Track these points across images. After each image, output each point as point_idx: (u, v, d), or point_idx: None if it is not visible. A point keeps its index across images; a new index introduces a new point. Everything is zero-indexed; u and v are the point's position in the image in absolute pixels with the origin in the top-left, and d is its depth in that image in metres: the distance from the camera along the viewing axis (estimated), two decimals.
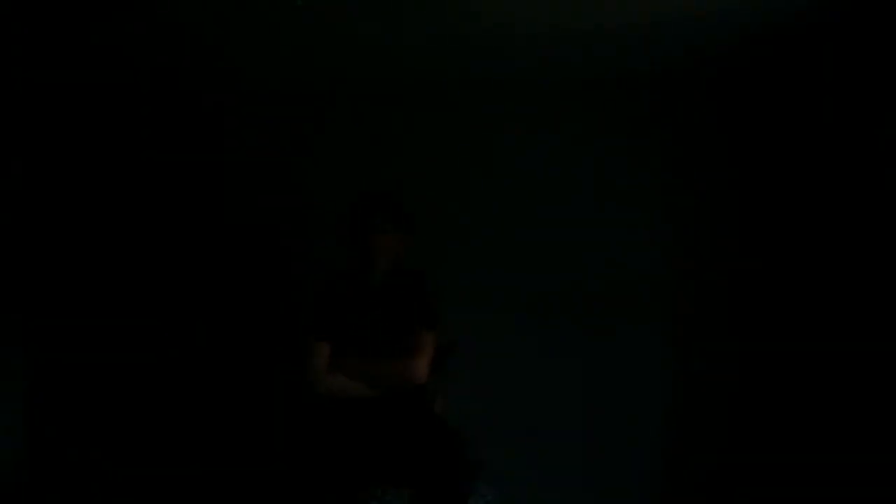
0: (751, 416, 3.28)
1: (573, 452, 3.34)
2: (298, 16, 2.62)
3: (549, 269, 3.41)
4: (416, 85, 3.45)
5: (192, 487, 3.29)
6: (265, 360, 3.45)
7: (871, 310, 2.76)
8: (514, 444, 3.32)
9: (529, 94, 3.45)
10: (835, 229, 2.98)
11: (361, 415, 2.40)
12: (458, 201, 3.45)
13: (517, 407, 3.37)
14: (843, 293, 2.93)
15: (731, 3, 2.59)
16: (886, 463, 2.65)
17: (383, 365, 2.42)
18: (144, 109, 3.57)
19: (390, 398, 2.41)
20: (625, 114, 3.42)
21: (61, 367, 3.35)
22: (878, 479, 2.69)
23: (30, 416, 3.22)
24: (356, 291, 2.57)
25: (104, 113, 3.55)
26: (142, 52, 3.07)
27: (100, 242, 3.50)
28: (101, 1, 2.55)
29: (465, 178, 3.46)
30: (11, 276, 3.19)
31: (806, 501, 3.06)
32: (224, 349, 3.48)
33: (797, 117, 3.22)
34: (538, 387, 3.37)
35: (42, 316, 3.31)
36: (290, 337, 3.23)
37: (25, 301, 3.25)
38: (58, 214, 3.41)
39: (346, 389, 2.40)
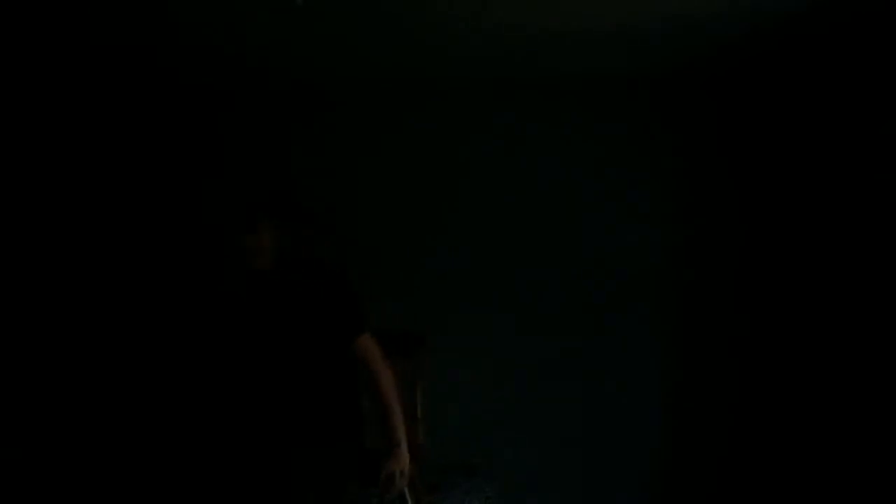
0: (750, 413, 3.29)
1: (573, 451, 3.34)
2: (298, 16, 2.62)
3: (548, 269, 3.41)
4: (415, 85, 3.45)
5: (192, 488, 3.29)
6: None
7: (871, 308, 2.76)
8: (513, 443, 3.32)
9: (529, 94, 3.45)
10: (834, 227, 2.99)
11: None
12: (457, 200, 3.45)
13: (517, 406, 3.37)
14: (842, 291, 2.93)
15: (731, 3, 2.58)
16: (886, 463, 2.65)
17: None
18: (139, 108, 3.57)
19: None
20: (625, 114, 3.42)
21: (61, 368, 3.35)
22: (878, 478, 2.69)
23: (29, 420, 3.23)
24: (236, 294, 2.42)
25: (102, 111, 3.55)
26: (139, 51, 3.07)
27: (99, 242, 3.50)
28: None
29: (464, 178, 3.46)
30: (11, 277, 3.20)
31: (805, 501, 3.07)
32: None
33: (796, 116, 3.22)
34: (538, 386, 3.37)
35: (42, 317, 3.32)
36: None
37: (25, 302, 3.26)
38: (59, 214, 3.42)
39: None
